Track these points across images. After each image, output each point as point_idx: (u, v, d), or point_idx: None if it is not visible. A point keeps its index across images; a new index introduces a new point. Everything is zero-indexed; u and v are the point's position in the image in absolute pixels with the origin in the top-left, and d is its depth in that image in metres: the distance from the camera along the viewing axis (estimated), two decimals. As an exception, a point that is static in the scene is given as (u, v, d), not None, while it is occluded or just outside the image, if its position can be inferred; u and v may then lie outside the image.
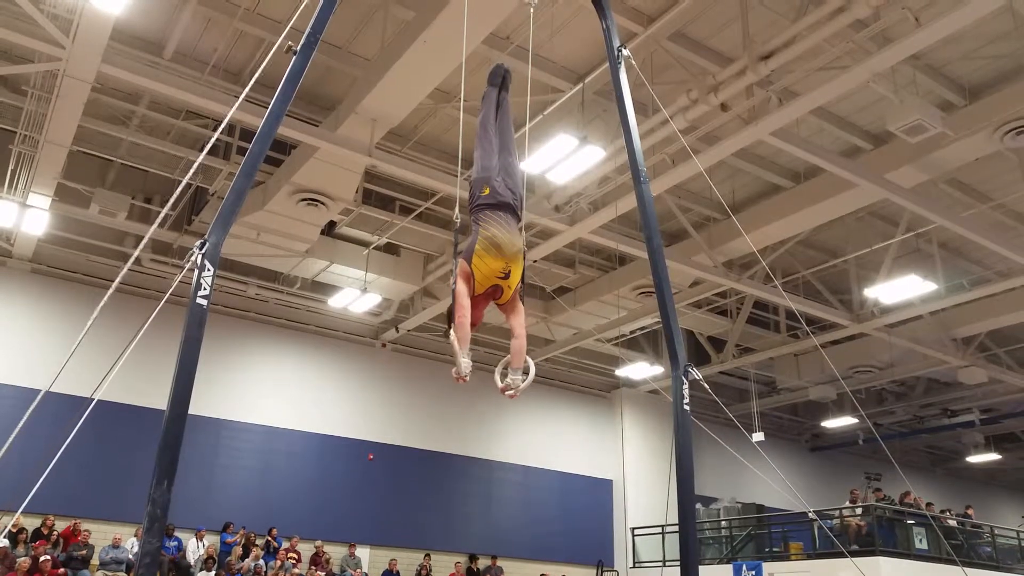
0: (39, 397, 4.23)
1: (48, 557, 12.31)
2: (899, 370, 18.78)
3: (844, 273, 15.91)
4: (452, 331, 4.32)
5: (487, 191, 4.74)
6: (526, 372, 4.56)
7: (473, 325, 4.52)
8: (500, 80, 5.31)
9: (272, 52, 5.24)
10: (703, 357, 18.48)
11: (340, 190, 12.24)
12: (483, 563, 17.26)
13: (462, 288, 4.46)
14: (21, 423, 4.18)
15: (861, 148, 12.35)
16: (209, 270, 3.69)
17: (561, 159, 10.50)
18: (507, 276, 4.53)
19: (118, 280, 4.58)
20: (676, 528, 4.75)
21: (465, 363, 4.27)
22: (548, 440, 19.54)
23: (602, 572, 18.89)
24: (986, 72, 10.91)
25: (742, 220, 12.55)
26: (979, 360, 17.89)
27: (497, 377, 4.61)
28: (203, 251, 3.70)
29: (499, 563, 17.40)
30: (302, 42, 4.51)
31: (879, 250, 14.18)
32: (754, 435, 14.94)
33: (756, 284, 14.99)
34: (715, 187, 11.37)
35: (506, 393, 4.53)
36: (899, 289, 14.29)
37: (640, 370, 18.41)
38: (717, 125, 10.41)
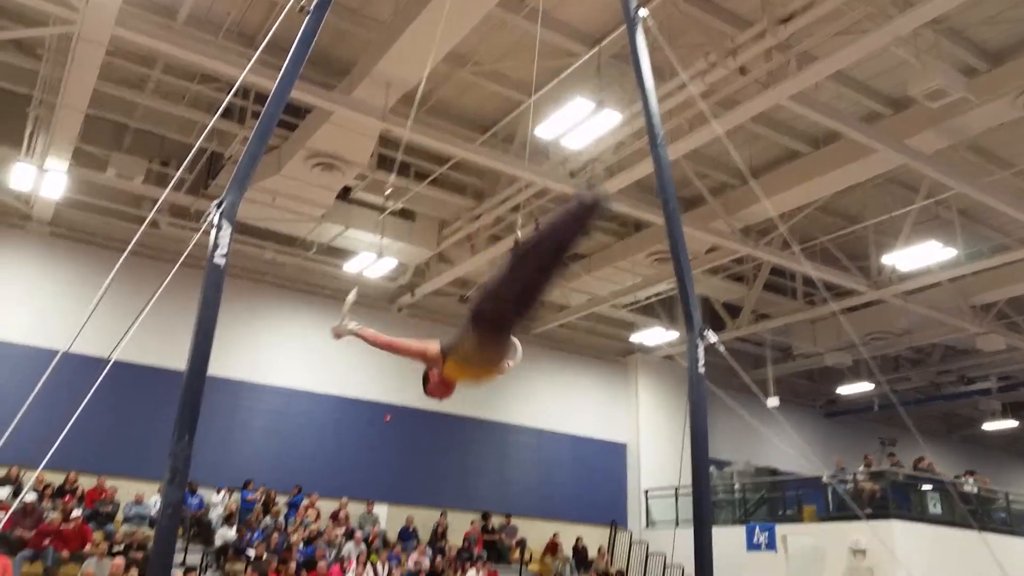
0: (57, 358, 4.33)
1: (79, 513, 12.65)
2: (916, 337, 18.72)
3: (862, 239, 15.78)
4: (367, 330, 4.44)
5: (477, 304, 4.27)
6: (514, 353, 4.46)
7: (447, 394, 4.42)
8: None
9: (285, 13, 5.22)
10: (718, 323, 18.45)
11: (355, 154, 12.25)
12: (497, 521, 17.51)
13: (416, 350, 4.39)
14: (40, 383, 4.29)
15: (881, 114, 12.17)
16: (226, 229, 3.73)
17: (577, 124, 10.43)
18: (478, 380, 4.49)
19: (134, 242, 4.65)
20: (690, 490, 4.79)
21: (345, 333, 4.49)
22: (562, 404, 19.67)
23: (615, 532, 19.13)
24: (1009, 36, 10.68)
25: (760, 186, 12.43)
26: (998, 327, 17.78)
27: None
28: (220, 210, 3.74)
29: (513, 522, 17.65)
30: (315, 1, 4.49)
31: (898, 217, 14.04)
32: (769, 400, 15.02)
33: (773, 250, 14.91)
34: (733, 152, 11.24)
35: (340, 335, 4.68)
36: (918, 256, 14.20)
37: (655, 336, 18.44)
38: (735, 89, 10.29)
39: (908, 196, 13.87)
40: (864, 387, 21.60)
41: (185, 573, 11.59)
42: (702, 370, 4.84)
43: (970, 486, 17.89)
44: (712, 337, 4.91)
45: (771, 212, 11.55)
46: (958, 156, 12.47)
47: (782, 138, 13.06)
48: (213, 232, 3.77)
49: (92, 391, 3.91)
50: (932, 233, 13.98)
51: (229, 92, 5.25)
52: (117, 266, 4.32)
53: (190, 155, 5.39)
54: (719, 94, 10.31)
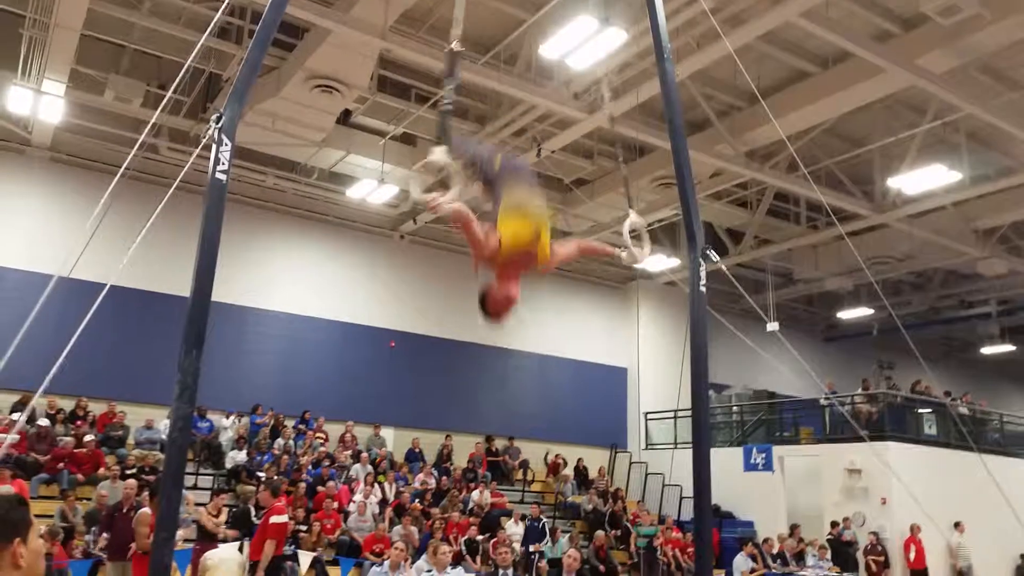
0: (52, 283, 4.36)
1: (92, 437, 12.92)
2: (918, 261, 18.72)
3: (867, 163, 15.63)
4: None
5: (498, 162, 4.38)
6: (627, 244, 4.52)
7: (510, 302, 4.08)
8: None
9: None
10: (721, 249, 18.43)
11: (354, 76, 12.04)
12: (501, 444, 17.89)
13: (480, 231, 4.00)
14: (36, 308, 4.32)
15: (892, 32, 11.89)
16: (226, 144, 3.69)
17: (581, 42, 10.18)
18: (537, 239, 4.18)
19: (126, 163, 4.62)
20: (688, 412, 4.87)
21: (453, 206, 3.97)
22: (564, 330, 19.85)
23: (615, 453, 19.55)
24: (1030, -53, 10.33)
25: (768, 108, 12.24)
26: (1000, 252, 17.76)
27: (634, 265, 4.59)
28: (219, 125, 3.69)
29: (516, 444, 18.02)
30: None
31: (904, 139, 13.87)
32: (770, 324, 15.13)
33: (778, 173, 14.79)
34: (741, 72, 11.01)
35: (637, 264, 4.57)
36: (923, 179, 14.06)
37: (657, 262, 18.43)
38: (744, 7, 10.03)
39: (915, 119, 13.67)
40: (863, 312, 21.72)
41: (212, 495, 11.86)
42: (703, 288, 4.85)
43: (962, 406, 18.19)
44: (714, 257, 4.91)
45: (780, 133, 11.39)
46: (968, 77, 12.23)
47: (791, 58, 12.78)
48: (213, 148, 3.73)
49: (90, 314, 3.93)
50: (938, 156, 13.83)
51: (227, 12, 5.12)
52: (111, 187, 4.31)
53: (182, 71, 5.27)
54: (727, 11, 10.06)
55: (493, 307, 4.10)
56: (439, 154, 4.19)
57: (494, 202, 4.24)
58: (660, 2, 5.13)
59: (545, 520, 14.73)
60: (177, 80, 5.13)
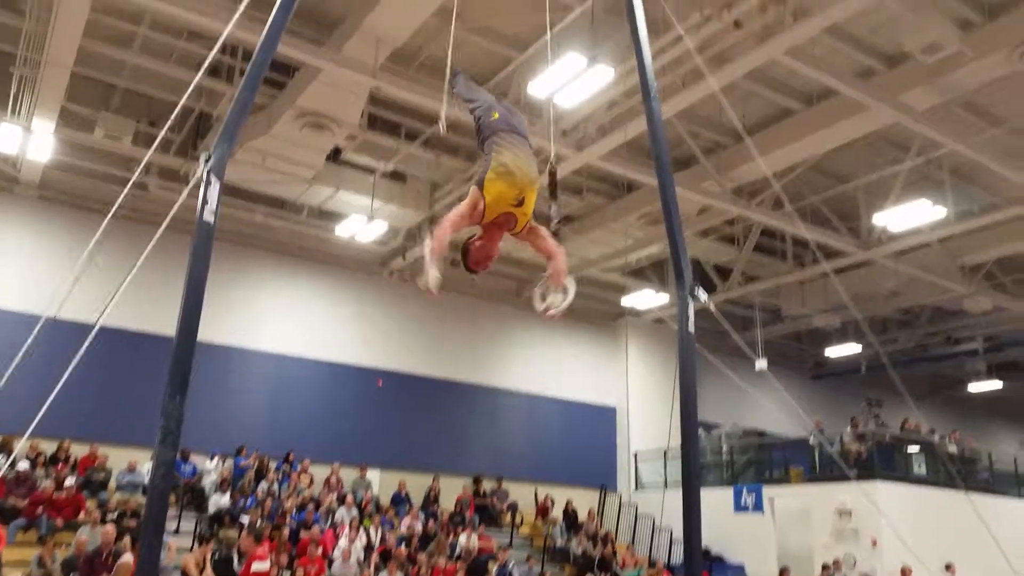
0: (40, 324, 4.30)
1: (73, 481, 12.61)
2: (904, 298, 18.81)
3: (852, 200, 15.77)
4: (429, 239, 4.09)
5: (496, 115, 4.49)
6: (566, 291, 4.43)
7: (489, 258, 4.35)
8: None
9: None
10: (709, 286, 18.47)
11: (344, 113, 12.09)
12: (489, 485, 17.63)
13: (464, 210, 4.18)
14: (24, 349, 4.25)
15: (875, 70, 12.08)
16: (215, 184, 3.65)
17: (570, 80, 10.28)
18: (521, 204, 4.24)
19: (118, 203, 4.61)
20: (678, 453, 4.79)
21: (434, 275, 3.98)
22: (553, 368, 19.75)
23: (605, 495, 19.33)
24: (1007, -11, 10.56)
25: (753, 145, 12.36)
26: (985, 288, 17.87)
27: (536, 299, 4.49)
28: (208, 165, 3.65)
29: (504, 485, 17.77)
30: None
31: (888, 176, 14.02)
32: (759, 362, 15.14)
33: (764, 210, 14.89)
34: (726, 110, 11.13)
35: (546, 314, 4.45)
36: (908, 215, 14.18)
37: (645, 299, 18.46)
38: (729, 45, 10.17)
39: (899, 155, 13.84)
40: (851, 348, 21.76)
41: (195, 541, 11.53)
42: (692, 328, 4.79)
43: (951, 445, 18.15)
44: (703, 295, 4.86)
45: (765, 170, 11.50)
46: (951, 114, 12.41)
47: (775, 96, 12.94)
48: (202, 188, 3.69)
49: (78, 357, 3.86)
50: (922, 192, 13.97)
51: (219, 50, 5.12)
52: (102, 227, 4.28)
53: (175, 111, 5.26)
54: (713, 49, 10.20)
55: (473, 262, 4.33)
56: (423, 247, 4.24)
57: (484, 156, 4.30)
58: (646, 41, 5.17)
59: (515, 564, 14.43)
60: (168, 124, 5.12)
